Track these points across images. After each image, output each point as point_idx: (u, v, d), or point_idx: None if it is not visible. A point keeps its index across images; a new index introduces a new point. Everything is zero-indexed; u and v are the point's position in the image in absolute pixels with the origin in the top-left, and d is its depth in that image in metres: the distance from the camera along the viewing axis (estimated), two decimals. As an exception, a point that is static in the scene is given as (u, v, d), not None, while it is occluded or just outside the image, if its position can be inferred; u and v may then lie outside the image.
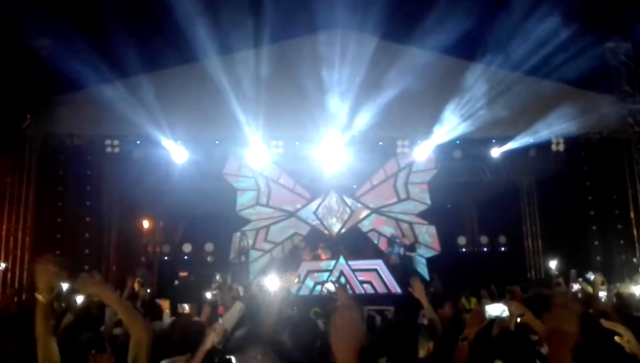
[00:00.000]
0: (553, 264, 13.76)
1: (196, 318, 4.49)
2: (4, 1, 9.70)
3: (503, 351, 2.95)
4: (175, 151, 12.61)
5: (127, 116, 11.38)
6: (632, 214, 12.97)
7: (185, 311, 5.60)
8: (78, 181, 12.86)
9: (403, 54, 11.80)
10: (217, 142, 12.94)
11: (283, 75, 11.85)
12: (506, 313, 3.31)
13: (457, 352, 3.12)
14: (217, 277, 11.01)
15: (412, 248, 13.48)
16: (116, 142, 12.38)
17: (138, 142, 12.58)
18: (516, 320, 3.61)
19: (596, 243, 13.52)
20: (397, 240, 13.47)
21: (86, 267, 12.71)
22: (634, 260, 12.56)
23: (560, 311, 1.75)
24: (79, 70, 10.81)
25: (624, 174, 13.00)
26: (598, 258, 13.36)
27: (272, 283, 4.45)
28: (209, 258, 13.96)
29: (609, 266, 12.60)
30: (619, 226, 13.16)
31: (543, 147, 12.99)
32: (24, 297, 10.19)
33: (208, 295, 7.85)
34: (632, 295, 8.70)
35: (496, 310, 3.31)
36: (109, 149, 12.37)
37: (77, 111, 11.87)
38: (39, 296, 2.69)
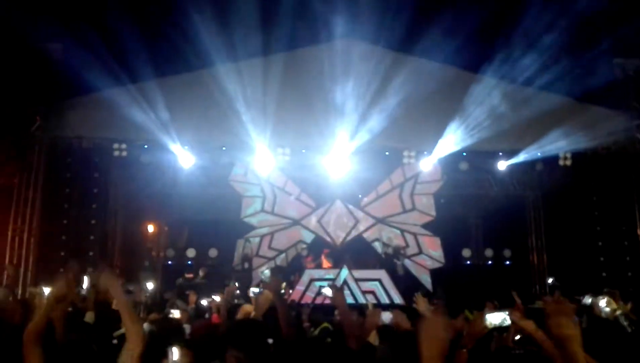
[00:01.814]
0: (550, 281, 13.76)
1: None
2: (17, 5, 9.83)
3: None
4: (182, 156, 12.67)
5: (136, 120, 11.45)
6: (638, 231, 12.87)
7: (176, 317, 5.52)
8: (85, 184, 12.93)
9: (411, 64, 11.82)
10: (224, 148, 12.97)
11: (291, 83, 11.91)
12: (507, 322, 3.27)
13: (456, 359, 3.11)
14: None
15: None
16: (124, 146, 12.42)
17: (146, 146, 12.63)
18: (514, 336, 3.59)
19: (602, 259, 13.41)
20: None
21: (90, 269, 12.82)
22: None
23: (555, 318, 1.78)
24: (89, 74, 10.90)
25: (631, 190, 12.91)
26: (604, 274, 13.26)
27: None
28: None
29: (614, 283, 12.49)
30: (626, 243, 13.06)
31: (550, 161, 12.94)
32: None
33: (204, 302, 7.84)
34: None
35: (497, 318, 3.27)
36: (116, 153, 12.43)
37: (86, 115, 11.96)
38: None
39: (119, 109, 11.32)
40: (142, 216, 15.28)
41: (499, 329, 3.97)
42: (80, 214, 12.82)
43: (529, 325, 3.13)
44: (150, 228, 15.62)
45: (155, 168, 13.25)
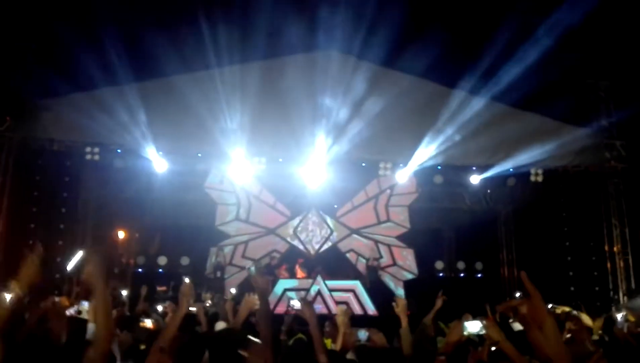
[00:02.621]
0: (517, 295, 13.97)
1: None
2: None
3: None
4: (156, 162, 12.49)
5: (110, 124, 11.28)
6: (606, 247, 13.22)
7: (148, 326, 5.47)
8: (55, 187, 12.62)
9: (389, 78, 11.95)
10: (199, 155, 12.86)
11: (269, 92, 11.89)
12: (484, 331, 3.29)
13: None
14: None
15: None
16: (96, 149, 12.19)
17: (119, 151, 12.42)
18: (489, 348, 3.61)
19: (570, 273, 13.70)
20: (368, 260, 13.56)
21: (57, 275, 12.46)
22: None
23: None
24: (63, 75, 10.68)
25: (599, 208, 13.27)
26: (572, 288, 13.53)
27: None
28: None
29: (582, 297, 12.76)
30: (593, 258, 13.38)
31: (522, 177, 13.21)
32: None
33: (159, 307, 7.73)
34: None
35: (475, 327, 3.29)
36: (88, 157, 12.18)
37: (59, 117, 11.69)
38: (17, 289, 2.72)
39: (93, 112, 11.13)
40: (113, 222, 14.96)
41: (475, 343, 4.00)
42: (49, 218, 12.49)
43: (500, 335, 3.15)
44: (121, 234, 15.30)
45: (129, 173, 13.01)
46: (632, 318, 6.63)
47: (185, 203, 14.06)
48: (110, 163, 12.55)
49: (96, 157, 12.24)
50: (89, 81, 11.06)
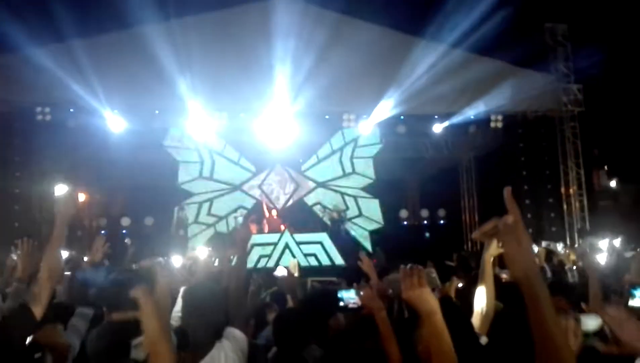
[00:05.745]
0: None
1: None
2: None
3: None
4: (112, 120, 12.05)
5: (60, 82, 10.74)
6: (562, 190, 13.69)
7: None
8: (6, 151, 12.08)
9: (350, 26, 11.72)
10: (157, 112, 12.45)
11: (227, 44, 11.51)
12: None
13: None
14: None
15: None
16: (47, 110, 11.69)
17: (72, 110, 11.91)
18: (456, 285, 3.70)
19: (529, 216, 14.18)
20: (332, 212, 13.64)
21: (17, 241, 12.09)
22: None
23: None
24: (7, 32, 10.03)
25: (556, 151, 13.65)
26: (530, 230, 14.04)
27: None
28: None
29: (539, 237, 13.30)
30: (550, 200, 13.85)
31: (482, 124, 13.38)
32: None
33: None
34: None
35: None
36: (39, 118, 11.67)
37: (5, 76, 11.05)
38: None
39: (42, 71, 10.57)
40: (71, 185, 14.48)
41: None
42: (3, 184, 12.00)
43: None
44: (82, 197, 14.86)
45: (83, 133, 12.51)
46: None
47: (145, 162, 13.68)
48: (63, 123, 12.04)
49: (47, 117, 11.75)
50: (36, 37, 10.45)
